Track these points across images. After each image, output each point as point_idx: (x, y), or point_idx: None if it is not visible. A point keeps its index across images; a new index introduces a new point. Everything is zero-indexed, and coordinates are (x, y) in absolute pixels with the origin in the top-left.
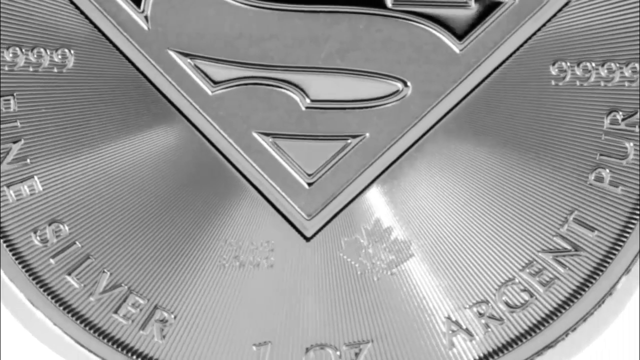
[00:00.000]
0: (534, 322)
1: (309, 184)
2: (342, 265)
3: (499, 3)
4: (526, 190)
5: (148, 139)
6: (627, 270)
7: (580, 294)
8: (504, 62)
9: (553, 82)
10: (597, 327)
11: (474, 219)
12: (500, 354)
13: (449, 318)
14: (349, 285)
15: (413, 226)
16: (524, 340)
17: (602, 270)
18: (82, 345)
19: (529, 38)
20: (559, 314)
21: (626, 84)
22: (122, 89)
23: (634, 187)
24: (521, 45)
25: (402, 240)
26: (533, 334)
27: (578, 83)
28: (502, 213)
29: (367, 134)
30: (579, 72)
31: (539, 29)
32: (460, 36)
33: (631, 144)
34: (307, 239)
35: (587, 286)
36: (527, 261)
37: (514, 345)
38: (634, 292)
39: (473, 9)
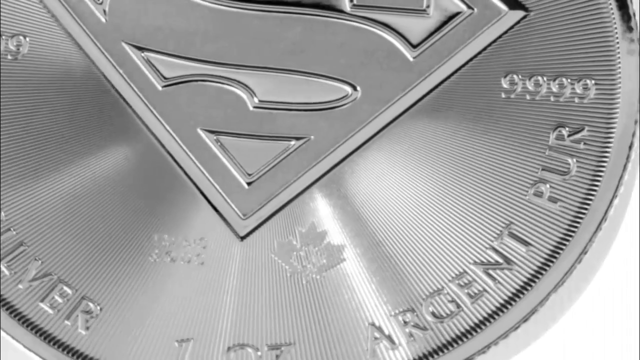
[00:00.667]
0: (458, 333)
1: (248, 184)
2: (272, 267)
3: (458, 13)
4: (464, 201)
5: (94, 128)
6: (555, 289)
7: (507, 308)
8: (456, 72)
9: (503, 95)
10: (519, 343)
11: (409, 227)
12: None
13: (373, 325)
14: (276, 287)
15: (348, 231)
16: (445, 351)
17: (530, 286)
18: (7, 333)
19: (483, 49)
20: (483, 327)
21: (576, 100)
22: (73, 79)
23: (572, 205)
24: (475, 57)
25: (335, 244)
26: (455, 345)
27: (528, 97)
28: (438, 223)
29: (312, 137)
30: (530, 85)
31: (494, 41)
32: (414, 44)
33: (574, 160)
34: (241, 238)
35: (515, 301)
36: (458, 272)
37: (435, 356)
38: (563, 310)
39: (431, 17)
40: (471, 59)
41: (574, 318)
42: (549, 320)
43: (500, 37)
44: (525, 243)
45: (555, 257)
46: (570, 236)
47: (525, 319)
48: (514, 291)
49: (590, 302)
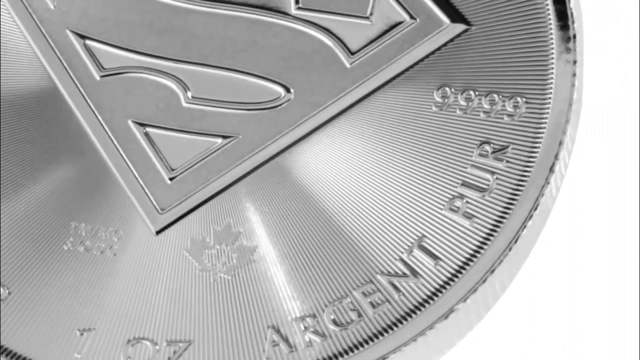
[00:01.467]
0: (355, 342)
1: (171, 179)
2: (183, 263)
3: (400, 23)
4: (378, 211)
5: (27, 109)
6: (457, 305)
7: (407, 320)
8: (390, 80)
9: (434, 107)
10: (418, 356)
11: (321, 234)
12: None
13: (273, 328)
14: (184, 284)
15: (261, 233)
16: (340, 359)
17: (433, 300)
18: None
19: (421, 60)
20: (380, 337)
21: (505, 117)
22: (20, 65)
23: (486, 223)
24: (411, 67)
25: (247, 245)
26: (351, 353)
27: (458, 111)
28: (350, 230)
29: (240, 136)
30: (461, 100)
31: (432, 53)
32: (353, 51)
33: (495, 177)
34: (157, 233)
35: (415, 313)
36: (364, 281)
37: None
38: (467, 326)
39: (373, 25)
40: (407, 69)
41: (477, 336)
42: (452, 336)
43: (438, 49)
44: (435, 257)
45: (460, 274)
46: (480, 252)
47: (422, 333)
48: (416, 304)
49: (494, 322)
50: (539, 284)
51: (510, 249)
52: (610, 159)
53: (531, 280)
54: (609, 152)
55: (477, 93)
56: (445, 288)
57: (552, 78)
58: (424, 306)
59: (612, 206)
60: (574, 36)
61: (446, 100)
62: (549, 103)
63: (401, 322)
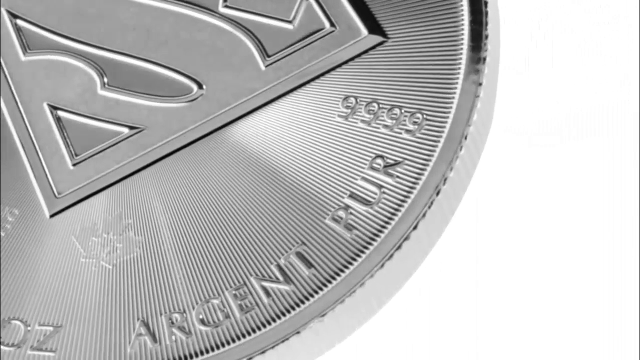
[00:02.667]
0: (218, 343)
1: (74, 164)
2: (69, 249)
3: (320, 29)
4: (262, 215)
5: None
6: (321, 316)
7: (270, 325)
8: (301, 86)
9: (337, 117)
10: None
11: (204, 232)
12: None
13: (142, 320)
14: (66, 269)
15: (150, 227)
16: (194, 358)
17: (298, 307)
18: None
19: (333, 68)
20: (242, 339)
21: (403, 133)
22: None
23: (365, 235)
24: (323, 74)
25: (133, 237)
26: (211, 352)
27: (360, 123)
28: (231, 232)
29: (146, 128)
30: (365, 112)
31: (345, 62)
32: (270, 53)
33: (382, 191)
34: (50, 216)
35: (280, 319)
36: (237, 283)
37: None
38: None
39: (294, 29)
40: (320, 76)
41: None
42: (321, 345)
43: (352, 58)
44: (310, 265)
45: (329, 284)
46: (352, 264)
47: (284, 339)
48: (283, 310)
49: (360, 337)
50: (417, 303)
51: (382, 266)
52: (610, 158)
53: (409, 299)
54: (608, 152)
55: (380, 106)
56: (312, 297)
57: (454, 98)
58: (289, 312)
59: (612, 206)
60: (484, 59)
61: (350, 111)
62: (447, 123)
63: (264, 326)
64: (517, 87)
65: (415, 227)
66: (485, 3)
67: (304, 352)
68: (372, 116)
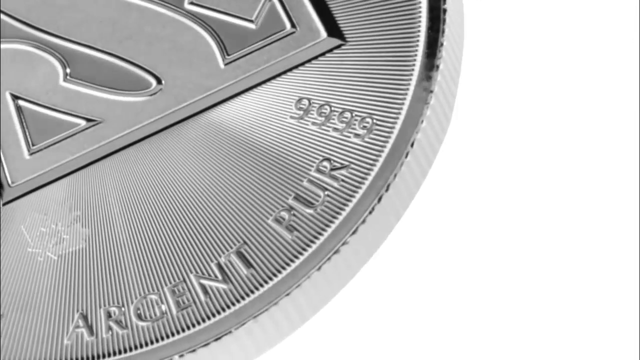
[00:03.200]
0: (152, 338)
1: (30, 154)
2: (17, 238)
3: (282, 30)
4: (205, 213)
5: None
6: (255, 316)
7: (204, 322)
8: (258, 85)
9: (289, 118)
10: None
11: (152, 225)
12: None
13: (81, 313)
14: (12, 258)
15: (98, 220)
16: (122, 353)
17: (234, 305)
18: None
19: (290, 69)
20: (174, 336)
21: (352, 137)
22: None
23: (306, 237)
24: (280, 74)
25: (81, 230)
26: (145, 347)
27: (312, 125)
28: (175, 228)
29: (104, 121)
30: (317, 114)
31: (302, 63)
32: (230, 52)
33: (325, 194)
34: (3, 205)
35: (214, 317)
36: (177, 279)
37: (121, 354)
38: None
39: (255, 29)
40: (276, 76)
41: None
42: (248, 345)
43: (309, 60)
44: (249, 265)
45: (265, 284)
46: (289, 266)
47: (217, 338)
48: (219, 308)
49: (304, 340)
50: (353, 309)
51: (319, 268)
52: (610, 158)
53: (345, 305)
54: (608, 152)
55: (332, 109)
56: (248, 296)
57: (404, 104)
58: (224, 311)
59: (611, 206)
60: (438, 66)
61: (303, 113)
62: (394, 129)
63: (199, 324)
64: (478, 96)
65: (354, 232)
66: (444, 10)
67: (238, 351)
68: (323, 119)
